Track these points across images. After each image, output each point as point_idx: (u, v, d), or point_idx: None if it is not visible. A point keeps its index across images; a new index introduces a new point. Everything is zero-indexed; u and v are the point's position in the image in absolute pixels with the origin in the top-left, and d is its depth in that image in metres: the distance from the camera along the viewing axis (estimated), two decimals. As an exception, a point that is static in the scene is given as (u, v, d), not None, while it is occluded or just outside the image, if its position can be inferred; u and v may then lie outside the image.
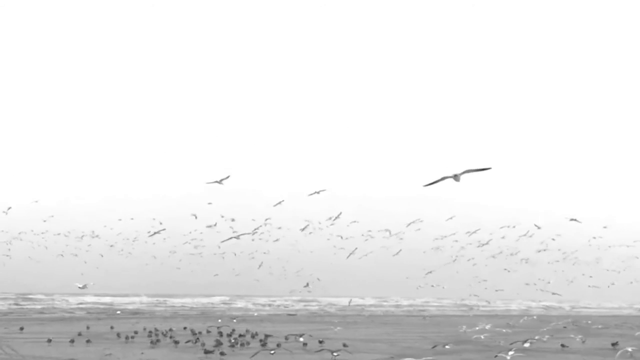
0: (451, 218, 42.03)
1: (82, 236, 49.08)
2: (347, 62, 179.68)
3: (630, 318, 75.63)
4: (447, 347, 30.75)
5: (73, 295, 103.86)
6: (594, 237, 45.48)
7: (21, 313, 63.82)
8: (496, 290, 53.22)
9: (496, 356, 29.21)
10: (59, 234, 48.33)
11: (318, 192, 32.94)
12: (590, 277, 56.85)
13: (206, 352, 27.89)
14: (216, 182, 18.77)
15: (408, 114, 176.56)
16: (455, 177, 15.70)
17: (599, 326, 52.71)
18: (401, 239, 43.15)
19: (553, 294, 51.37)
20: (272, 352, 30.24)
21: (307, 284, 32.54)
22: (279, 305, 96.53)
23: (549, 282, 55.18)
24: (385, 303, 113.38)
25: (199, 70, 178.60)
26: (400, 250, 43.49)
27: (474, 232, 42.71)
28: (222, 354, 27.48)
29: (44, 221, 46.87)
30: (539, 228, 39.54)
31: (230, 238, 29.08)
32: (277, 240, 43.09)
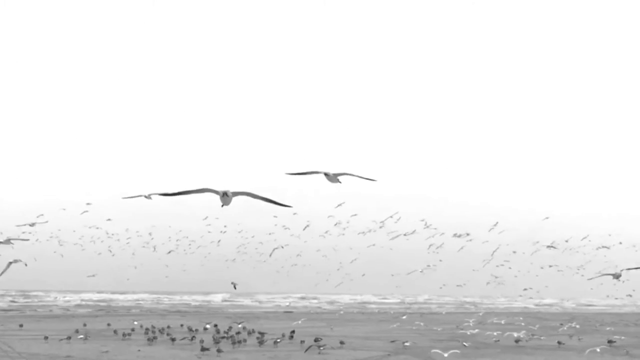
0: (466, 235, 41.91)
1: (128, 238, 47.83)
2: (345, 61, 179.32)
3: (626, 315, 75.61)
4: (406, 344, 31.04)
5: (72, 293, 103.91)
6: (600, 247, 45.29)
7: (19, 310, 64.00)
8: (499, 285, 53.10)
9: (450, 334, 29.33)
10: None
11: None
12: (591, 288, 56.68)
13: (203, 349, 27.97)
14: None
15: (406, 113, 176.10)
16: (615, 275, 17.69)
17: (597, 323, 52.68)
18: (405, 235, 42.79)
19: (525, 289, 51.21)
20: (278, 340, 30.42)
21: (234, 285, 32.44)
22: (277, 303, 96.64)
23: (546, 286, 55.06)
24: (385, 300, 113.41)
25: (226, 71, 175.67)
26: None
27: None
28: (219, 351, 27.60)
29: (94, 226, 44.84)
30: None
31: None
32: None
